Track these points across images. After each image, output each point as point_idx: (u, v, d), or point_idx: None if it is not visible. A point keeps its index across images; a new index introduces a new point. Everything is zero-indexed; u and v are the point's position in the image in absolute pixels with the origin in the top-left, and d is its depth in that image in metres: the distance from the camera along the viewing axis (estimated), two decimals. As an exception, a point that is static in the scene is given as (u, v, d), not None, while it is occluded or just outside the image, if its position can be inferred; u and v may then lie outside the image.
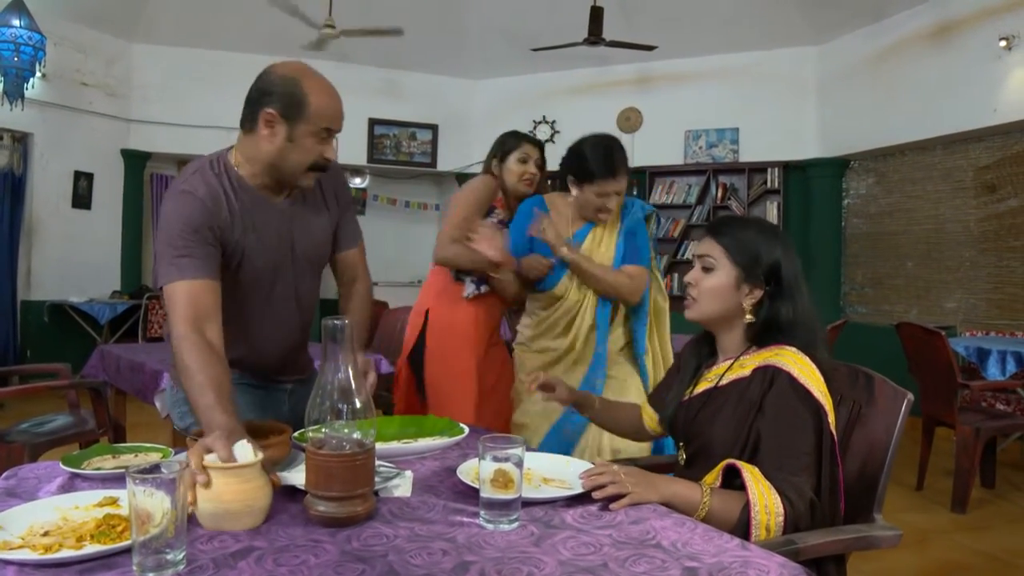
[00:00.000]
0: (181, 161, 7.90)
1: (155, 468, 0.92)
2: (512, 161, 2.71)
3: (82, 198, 6.72)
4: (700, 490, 1.28)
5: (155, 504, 0.86)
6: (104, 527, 0.98)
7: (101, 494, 1.13)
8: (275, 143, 1.46)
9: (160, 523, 0.86)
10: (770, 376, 1.35)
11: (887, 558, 2.98)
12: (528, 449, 1.24)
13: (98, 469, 1.26)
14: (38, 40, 5.45)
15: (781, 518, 1.23)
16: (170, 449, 1.37)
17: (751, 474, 1.27)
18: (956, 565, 2.98)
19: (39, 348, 6.33)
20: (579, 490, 1.21)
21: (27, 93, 5.54)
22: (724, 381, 1.45)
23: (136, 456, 1.34)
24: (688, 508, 1.24)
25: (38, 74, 5.62)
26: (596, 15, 5.60)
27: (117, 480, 1.22)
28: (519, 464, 1.06)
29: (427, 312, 2.63)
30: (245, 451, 1.08)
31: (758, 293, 1.45)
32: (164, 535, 0.86)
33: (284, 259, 1.58)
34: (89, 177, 6.75)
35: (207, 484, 1.03)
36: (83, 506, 1.09)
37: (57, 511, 1.06)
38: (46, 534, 0.97)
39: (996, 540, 3.24)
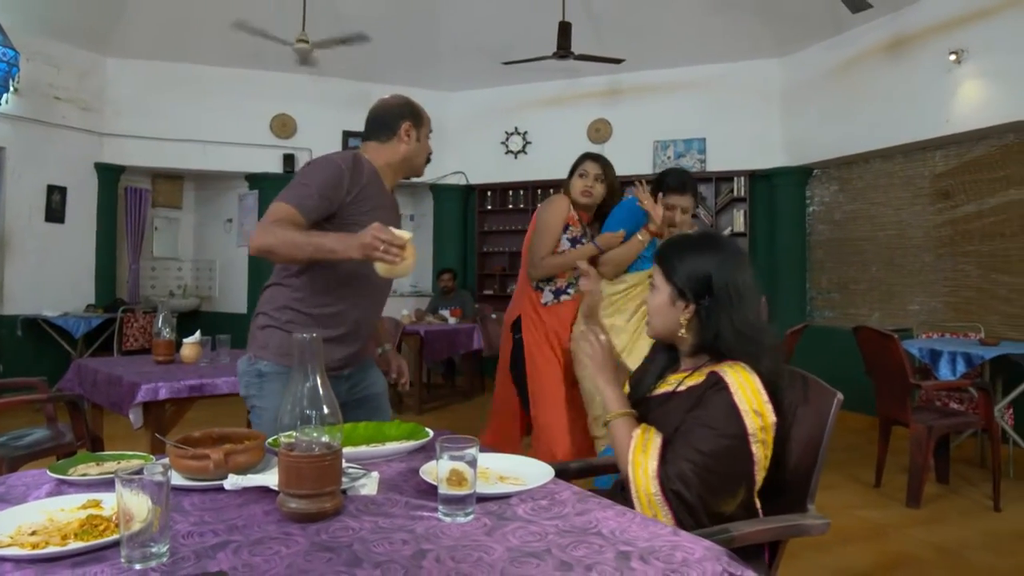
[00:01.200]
0: (155, 175, 7.94)
1: (140, 471, 1.01)
2: (574, 177, 3.18)
3: (55, 212, 6.73)
4: (620, 408, 1.51)
5: (140, 503, 0.96)
6: (87, 526, 1.06)
7: (85, 497, 1.21)
8: (411, 145, 2.10)
9: (146, 519, 0.95)
10: (714, 381, 1.44)
11: (845, 552, 3.12)
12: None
13: (84, 476, 1.34)
14: (12, 56, 5.49)
15: (656, 482, 1.38)
16: (152, 457, 1.46)
17: (639, 441, 1.43)
18: (910, 557, 3.11)
19: (13, 363, 6.31)
20: (531, 485, 1.32)
21: (0, 108, 5.55)
22: (682, 387, 1.53)
23: (119, 463, 1.43)
24: (605, 407, 1.52)
25: (11, 89, 5.64)
26: (564, 30, 5.74)
27: (102, 485, 1.30)
28: (472, 463, 1.17)
29: (518, 318, 3.12)
30: (401, 230, 1.71)
31: (692, 308, 1.51)
32: (149, 530, 0.96)
33: None
34: (62, 191, 6.77)
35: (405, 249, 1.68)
36: (68, 508, 1.17)
37: (43, 513, 1.14)
38: (33, 533, 1.05)
39: (948, 533, 3.39)
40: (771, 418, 1.41)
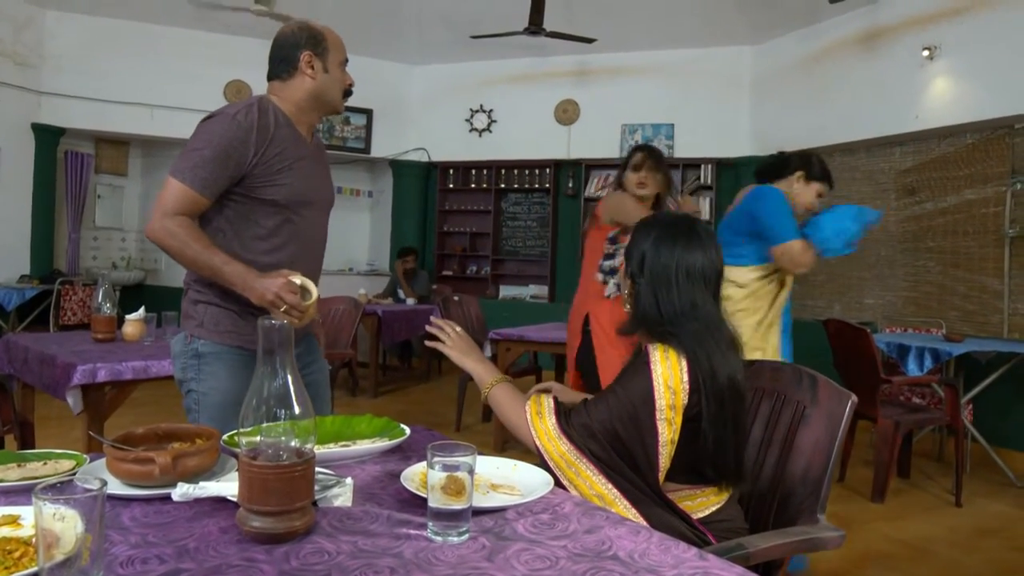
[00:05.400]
0: (99, 138, 7.48)
1: (67, 484, 0.82)
2: (627, 172, 3.17)
3: (-13, 174, 6.28)
4: (493, 377, 1.52)
5: (67, 526, 0.77)
6: None
7: (1, 512, 1.01)
8: (318, 78, 1.80)
9: (74, 547, 0.77)
10: (640, 351, 1.43)
11: (813, 548, 3.07)
12: None
13: (1, 481, 1.13)
14: (-63, 2, 5.04)
15: (556, 428, 1.37)
16: (84, 456, 1.25)
17: (532, 410, 1.42)
18: (877, 553, 3.09)
19: (-64, 335, 5.89)
20: (530, 497, 1.16)
21: (-76, 59, 5.12)
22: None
23: (45, 464, 1.22)
24: (480, 384, 1.54)
25: (-63, 39, 5.20)
26: (537, 5, 5.54)
27: (23, 494, 1.10)
28: (471, 472, 1.01)
29: (587, 315, 3.10)
30: (304, 281, 1.65)
31: (630, 284, 1.51)
32: (77, 560, 0.77)
33: (312, 193, 1.83)
34: (-5, 152, 6.31)
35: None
36: (-22, 525, 0.97)
37: None
38: (-70, 560, 0.86)
39: (913, 528, 3.38)
40: (684, 399, 1.35)
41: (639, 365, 1.38)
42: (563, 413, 1.40)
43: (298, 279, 1.64)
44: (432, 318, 1.66)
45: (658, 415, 1.34)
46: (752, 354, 2.76)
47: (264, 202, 1.74)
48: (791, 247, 2.58)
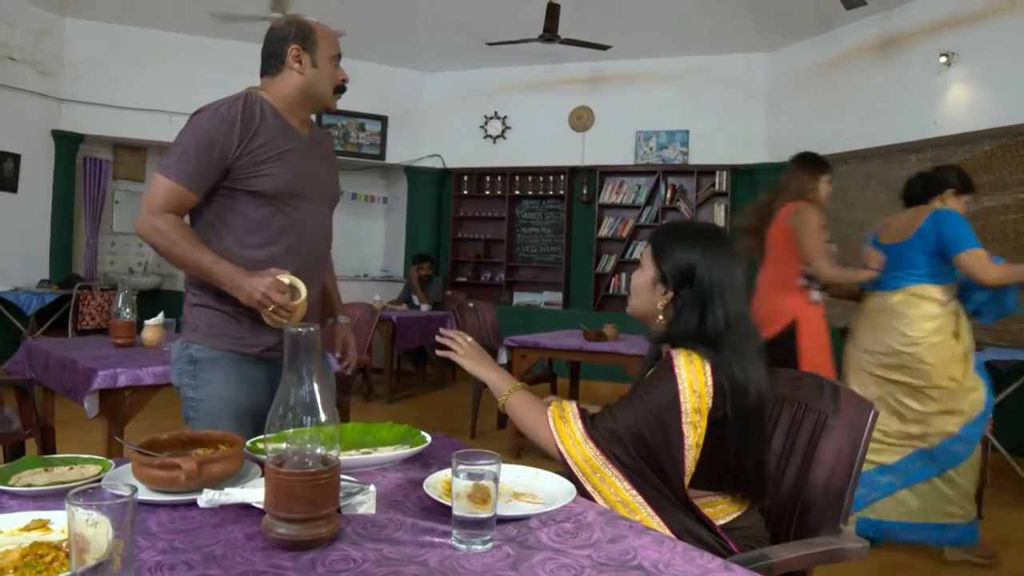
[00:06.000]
0: (117, 145, 7.56)
1: (98, 490, 0.83)
2: (821, 183, 3.39)
3: (8, 180, 6.36)
4: (509, 385, 1.51)
5: (99, 532, 0.78)
6: (31, 558, 0.87)
7: (29, 516, 1.02)
8: (305, 72, 1.77)
9: (104, 553, 0.77)
10: (664, 357, 1.41)
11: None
12: None
13: (28, 485, 1.14)
14: (-39, 11, 5.12)
15: (583, 432, 1.37)
16: (109, 461, 1.26)
17: (555, 414, 1.41)
18: (898, 563, 3.05)
19: (-43, 339, 5.97)
20: (553, 506, 1.16)
21: (-52, 67, 5.20)
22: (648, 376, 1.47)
23: (71, 469, 1.23)
24: (496, 393, 1.53)
25: (-39, 47, 5.28)
26: (552, 12, 5.56)
27: (51, 498, 1.11)
28: (495, 480, 1.01)
29: (794, 320, 3.18)
30: (293, 279, 1.64)
31: (670, 296, 1.47)
32: (109, 567, 0.78)
33: (302, 185, 1.79)
34: (16, 158, 6.39)
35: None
36: (7, 530, 0.98)
37: None
38: (-39, 565, 0.87)
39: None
40: (708, 402, 1.34)
41: (663, 370, 1.37)
42: (588, 418, 1.39)
43: (287, 278, 1.63)
44: (442, 329, 1.66)
45: (684, 418, 1.34)
46: (968, 396, 2.99)
47: (250, 194, 1.72)
48: (979, 253, 2.86)
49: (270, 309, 1.60)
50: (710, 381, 1.34)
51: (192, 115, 1.71)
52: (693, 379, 1.34)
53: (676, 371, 1.35)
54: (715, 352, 1.37)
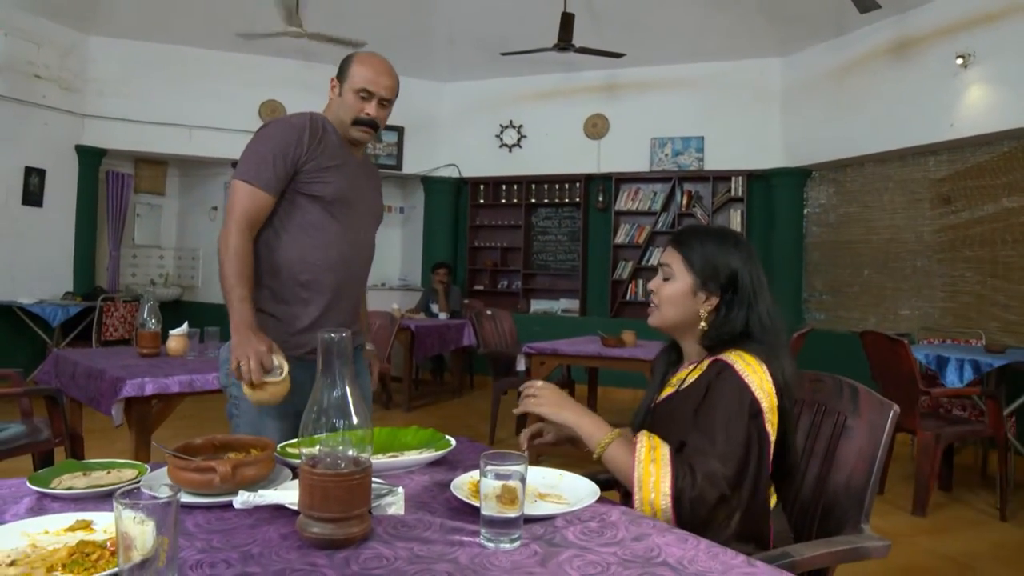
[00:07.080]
0: (139, 159, 7.69)
1: (142, 490, 0.86)
2: None
3: (33, 195, 6.48)
4: (606, 432, 1.37)
5: (144, 530, 0.81)
6: (77, 555, 0.91)
7: (73, 517, 1.05)
8: (334, 100, 1.94)
9: (150, 550, 0.81)
10: (719, 368, 1.39)
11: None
12: None
13: (69, 488, 1.19)
14: (-11, 31, 5.24)
15: (667, 499, 1.25)
16: (145, 466, 1.30)
17: (646, 447, 1.31)
18: (920, 569, 3.03)
19: (-15, 351, 6.08)
20: (578, 506, 1.18)
21: (-24, 85, 5.32)
22: (685, 384, 1.46)
23: (108, 473, 1.27)
24: (589, 443, 1.38)
25: (-12, 66, 5.41)
26: (567, 21, 5.60)
27: (91, 501, 1.15)
28: (522, 480, 1.03)
29: None
30: (282, 362, 1.67)
31: (714, 300, 1.47)
32: (154, 563, 0.81)
33: (357, 199, 1.95)
34: (41, 173, 6.52)
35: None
36: (53, 531, 1.02)
37: (25, 536, 0.99)
38: (13, 563, 0.90)
39: (956, 543, 3.31)
40: (775, 400, 1.36)
41: (726, 379, 1.35)
42: (685, 468, 1.27)
43: (278, 359, 1.68)
44: (523, 386, 1.50)
45: (765, 417, 1.33)
46: None
47: (310, 198, 1.86)
48: None
49: (234, 368, 1.66)
50: (769, 377, 1.36)
51: (260, 128, 1.89)
52: (758, 378, 1.35)
53: (742, 375, 1.35)
54: (763, 349, 1.39)
